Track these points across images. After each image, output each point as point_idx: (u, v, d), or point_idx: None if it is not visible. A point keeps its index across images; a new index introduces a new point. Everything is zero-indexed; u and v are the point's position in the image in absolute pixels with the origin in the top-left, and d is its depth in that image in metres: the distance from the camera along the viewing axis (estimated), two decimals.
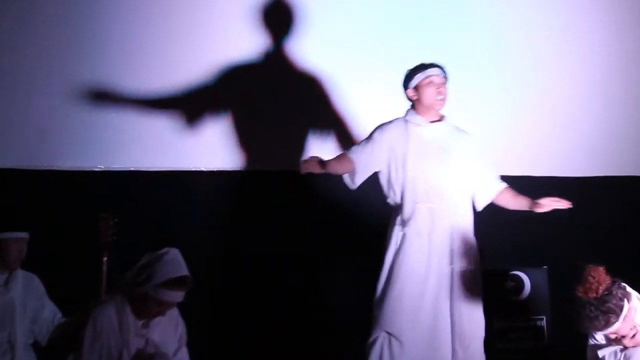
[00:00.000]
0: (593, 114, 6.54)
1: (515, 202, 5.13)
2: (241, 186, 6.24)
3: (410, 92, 5.14)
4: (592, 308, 4.15)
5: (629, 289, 4.28)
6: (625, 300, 4.18)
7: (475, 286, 5.08)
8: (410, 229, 5.00)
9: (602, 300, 4.14)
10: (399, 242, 5.02)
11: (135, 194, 6.06)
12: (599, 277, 4.19)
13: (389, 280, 5.01)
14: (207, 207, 6.17)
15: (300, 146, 6.21)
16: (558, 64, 6.49)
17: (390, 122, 5.16)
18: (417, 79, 5.10)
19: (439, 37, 6.32)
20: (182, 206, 6.14)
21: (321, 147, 6.05)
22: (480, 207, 5.16)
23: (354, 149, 5.16)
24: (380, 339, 5.00)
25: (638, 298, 4.32)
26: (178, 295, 4.44)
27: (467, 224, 5.09)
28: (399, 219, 5.04)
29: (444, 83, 5.11)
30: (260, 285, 6.11)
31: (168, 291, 4.40)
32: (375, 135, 5.12)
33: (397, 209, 5.07)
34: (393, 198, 5.10)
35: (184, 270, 4.43)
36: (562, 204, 4.96)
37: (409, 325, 4.95)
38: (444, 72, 5.13)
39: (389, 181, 5.10)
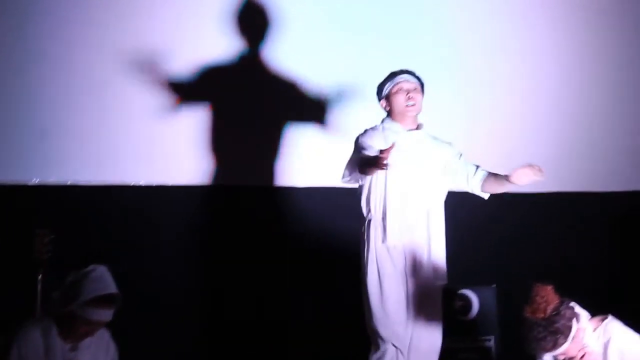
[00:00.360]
0: (544, 129, 6.50)
1: (497, 183, 4.99)
2: (181, 200, 6.15)
3: (383, 102, 5.10)
4: (540, 329, 4.11)
5: (577, 308, 4.24)
6: (574, 320, 4.14)
7: (439, 302, 5.03)
8: (390, 242, 4.90)
9: (550, 320, 4.10)
10: (380, 256, 4.92)
11: (72, 209, 5.92)
12: (547, 296, 4.15)
13: (379, 294, 4.92)
14: (145, 221, 6.05)
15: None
16: (511, 80, 6.48)
17: (368, 129, 5.07)
18: (387, 88, 5.06)
19: (407, 43, 6.32)
20: (121, 221, 6.01)
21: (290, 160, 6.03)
22: (485, 195, 5.08)
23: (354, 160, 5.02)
24: (390, 353, 4.90)
25: (587, 318, 4.29)
26: (106, 314, 4.32)
27: (440, 237, 5.00)
28: (377, 232, 4.93)
29: (416, 89, 5.03)
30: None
31: (96, 310, 4.28)
32: (363, 141, 5.01)
33: (375, 221, 4.95)
34: (372, 210, 4.97)
35: (112, 288, 4.32)
36: (535, 171, 4.80)
37: (406, 336, 4.92)
38: (414, 77, 5.05)
39: (369, 191, 4.99)
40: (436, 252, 4.96)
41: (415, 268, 4.92)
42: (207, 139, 6.12)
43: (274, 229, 6.13)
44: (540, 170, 4.79)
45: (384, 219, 4.92)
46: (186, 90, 6.07)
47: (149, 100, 6.02)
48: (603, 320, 4.35)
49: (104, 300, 4.28)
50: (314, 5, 6.30)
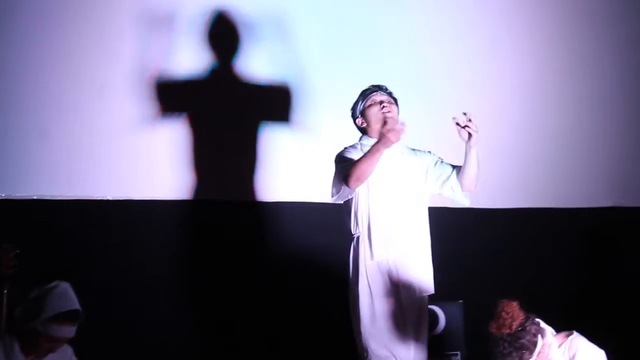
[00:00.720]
0: (511, 146, 6.48)
1: (466, 163, 4.94)
2: (150, 215, 6.06)
3: (359, 120, 5.08)
4: (506, 344, 4.12)
5: (543, 324, 4.26)
6: (539, 336, 4.16)
7: (426, 314, 5.01)
8: (377, 258, 4.86)
9: (516, 336, 4.11)
10: (370, 272, 4.88)
11: (39, 224, 5.83)
12: (513, 312, 4.16)
13: (371, 311, 4.88)
14: (113, 236, 5.96)
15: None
16: (477, 98, 6.40)
17: (348, 147, 5.06)
18: (360, 105, 5.05)
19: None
20: (87, 235, 5.92)
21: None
22: (466, 203, 5.06)
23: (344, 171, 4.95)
24: None
25: (552, 334, 4.31)
26: (69, 331, 4.29)
27: (425, 250, 4.97)
28: (364, 248, 4.90)
29: (389, 100, 5.02)
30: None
31: (58, 326, 4.25)
32: (343, 158, 4.99)
33: (362, 238, 4.92)
34: (358, 227, 4.94)
35: (74, 304, 4.29)
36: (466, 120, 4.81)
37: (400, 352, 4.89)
38: (386, 92, 5.05)
39: (355, 208, 4.96)
40: (421, 263, 4.91)
41: (403, 282, 4.88)
42: (185, 153, 6.06)
43: (255, 245, 6.07)
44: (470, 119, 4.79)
45: (369, 235, 4.89)
46: (163, 103, 6.03)
47: (122, 114, 5.98)
48: (568, 336, 4.38)
49: (67, 317, 4.25)
50: (288, 16, 6.27)
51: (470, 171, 4.91)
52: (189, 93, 6.09)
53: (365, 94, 5.07)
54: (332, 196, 5.01)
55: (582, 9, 6.68)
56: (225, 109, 6.15)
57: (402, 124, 4.79)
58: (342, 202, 5.02)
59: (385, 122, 4.89)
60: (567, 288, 6.27)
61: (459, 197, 5.04)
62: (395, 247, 4.88)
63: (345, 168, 4.91)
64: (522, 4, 6.62)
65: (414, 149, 5.10)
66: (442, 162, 5.06)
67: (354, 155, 4.97)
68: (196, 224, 6.08)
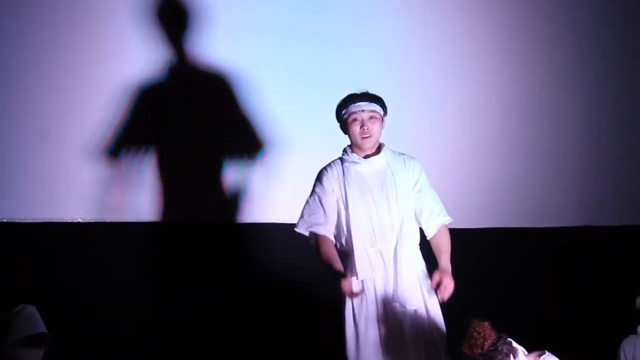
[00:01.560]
0: (483, 165, 6.47)
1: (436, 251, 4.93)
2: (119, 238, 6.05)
3: (343, 127, 4.97)
4: None
5: (514, 344, 4.26)
6: (511, 355, 4.17)
7: (435, 325, 4.87)
8: (362, 276, 4.77)
9: (488, 356, 4.12)
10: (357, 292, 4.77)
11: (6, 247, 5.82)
12: (484, 332, 4.17)
13: (355, 335, 4.79)
14: (83, 259, 5.95)
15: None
16: (453, 116, 6.45)
17: (327, 166, 4.96)
18: (343, 115, 4.92)
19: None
20: (58, 258, 5.91)
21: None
22: (430, 236, 4.94)
23: (309, 218, 4.86)
24: None
25: (524, 353, 4.31)
26: (35, 354, 4.30)
27: (417, 261, 4.90)
28: (349, 266, 4.81)
29: (372, 117, 4.87)
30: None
31: (25, 350, 4.25)
32: (317, 189, 4.91)
33: (347, 256, 4.85)
34: (343, 245, 4.88)
35: (40, 328, 4.30)
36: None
37: None
38: (372, 101, 4.90)
39: (338, 227, 4.89)
40: (408, 276, 4.81)
41: (390, 300, 4.79)
42: (156, 174, 6.05)
43: (233, 267, 6.06)
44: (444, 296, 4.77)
45: (352, 255, 4.81)
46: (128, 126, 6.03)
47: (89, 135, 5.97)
48: (540, 355, 4.39)
49: (33, 341, 4.26)
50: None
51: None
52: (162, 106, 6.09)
53: (348, 105, 4.90)
54: (298, 227, 4.92)
55: (555, 28, 6.70)
56: (201, 129, 6.14)
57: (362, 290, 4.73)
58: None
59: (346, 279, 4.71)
60: (539, 308, 6.27)
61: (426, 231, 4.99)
62: (379, 265, 4.79)
63: (312, 228, 4.84)
64: (496, 21, 6.62)
65: (400, 154, 5.00)
66: (421, 190, 4.95)
67: (330, 177, 4.88)
68: (174, 247, 6.07)
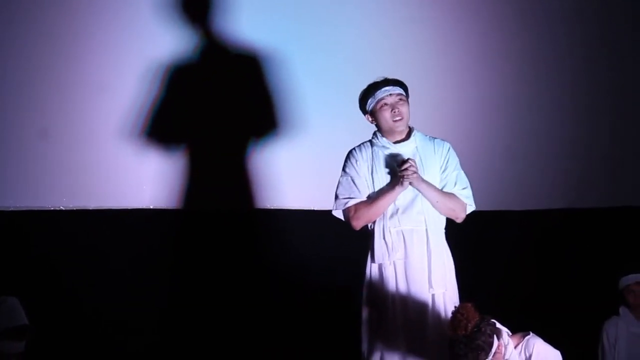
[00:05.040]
0: (467, 149, 6.42)
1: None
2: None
3: (368, 117, 4.91)
4: (461, 346, 4.11)
5: (498, 325, 4.24)
6: (495, 336, 4.15)
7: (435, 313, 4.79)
8: (378, 260, 4.74)
9: (471, 337, 4.10)
10: (376, 274, 4.76)
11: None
12: (468, 314, 4.15)
13: (375, 318, 4.75)
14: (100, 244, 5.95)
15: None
16: (441, 101, 6.44)
17: (356, 147, 4.92)
18: (370, 104, 4.85)
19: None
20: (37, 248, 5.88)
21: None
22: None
23: (345, 198, 4.82)
24: None
25: (508, 334, 4.30)
26: (17, 346, 4.25)
27: (442, 244, 4.83)
28: (371, 248, 4.79)
29: (400, 99, 4.83)
30: None
31: (6, 342, 4.21)
32: (348, 169, 4.87)
33: (370, 239, 4.81)
34: (375, 228, 4.81)
35: (22, 320, 4.26)
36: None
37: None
38: (396, 85, 4.86)
39: None
40: (437, 261, 4.74)
41: (415, 280, 4.72)
42: (175, 162, 6.03)
43: (249, 254, 6.05)
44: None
45: (384, 236, 4.76)
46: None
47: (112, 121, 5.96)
48: (524, 336, 4.39)
49: (15, 332, 4.22)
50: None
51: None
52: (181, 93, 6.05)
53: (374, 93, 4.84)
54: (333, 210, 4.89)
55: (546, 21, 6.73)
56: (219, 114, 6.12)
57: (412, 160, 4.68)
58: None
59: (402, 162, 4.68)
60: (523, 289, 6.28)
61: None
62: (410, 246, 4.74)
63: (348, 202, 4.80)
64: (491, 20, 6.64)
65: (430, 138, 4.94)
66: (454, 167, 4.90)
67: (359, 158, 4.85)
68: (191, 234, 6.06)
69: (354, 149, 4.94)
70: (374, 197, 4.79)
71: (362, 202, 4.80)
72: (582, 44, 6.68)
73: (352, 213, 4.80)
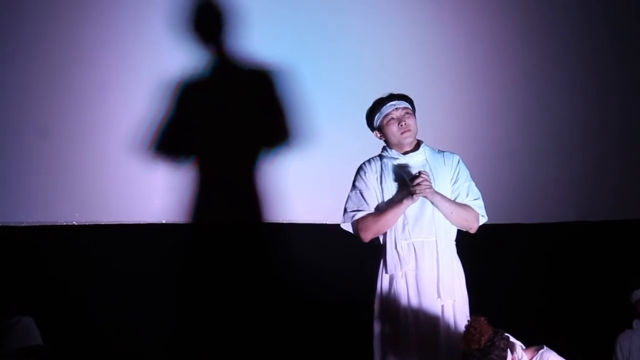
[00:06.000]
0: (474, 161, 6.42)
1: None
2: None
3: (376, 133, 4.96)
4: None
5: (512, 339, 4.25)
6: (508, 350, 4.15)
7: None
8: (390, 271, 4.74)
9: (485, 351, 4.09)
10: (387, 287, 4.76)
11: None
12: (481, 328, 4.14)
13: (386, 329, 4.76)
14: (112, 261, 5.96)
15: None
16: (439, 113, 6.41)
17: (366, 161, 4.96)
18: (377, 120, 4.91)
19: None
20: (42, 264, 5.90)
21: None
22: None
23: (354, 211, 4.85)
24: None
25: (522, 348, 4.31)
26: None
27: (452, 256, 4.83)
28: (383, 260, 4.80)
29: (407, 112, 4.88)
30: None
31: None
32: (357, 182, 4.91)
33: (382, 250, 4.82)
34: (387, 240, 4.82)
35: (36, 340, 4.24)
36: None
37: None
38: (401, 99, 4.91)
39: None
40: (446, 271, 4.74)
41: (426, 292, 4.73)
42: (185, 175, 6.05)
43: (257, 268, 6.07)
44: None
45: (396, 247, 4.78)
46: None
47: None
48: (538, 350, 4.38)
49: (29, 353, 4.20)
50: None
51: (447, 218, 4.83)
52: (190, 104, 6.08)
53: (380, 108, 4.90)
54: (342, 223, 4.91)
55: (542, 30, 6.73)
56: (230, 128, 6.15)
57: (425, 173, 4.69)
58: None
59: (415, 177, 4.69)
60: (536, 302, 6.27)
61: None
62: (420, 257, 4.74)
63: (356, 214, 4.82)
64: (484, 29, 6.65)
65: (438, 152, 4.97)
66: (465, 179, 4.92)
67: (369, 171, 4.88)
68: (201, 247, 6.08)
69: (363, 163, 4.97)
70: (382, 210, 4.81)
71: (370, 215, 4.82)
72: (596, 57, 6.69)
73: (360, 225, 4.83)
